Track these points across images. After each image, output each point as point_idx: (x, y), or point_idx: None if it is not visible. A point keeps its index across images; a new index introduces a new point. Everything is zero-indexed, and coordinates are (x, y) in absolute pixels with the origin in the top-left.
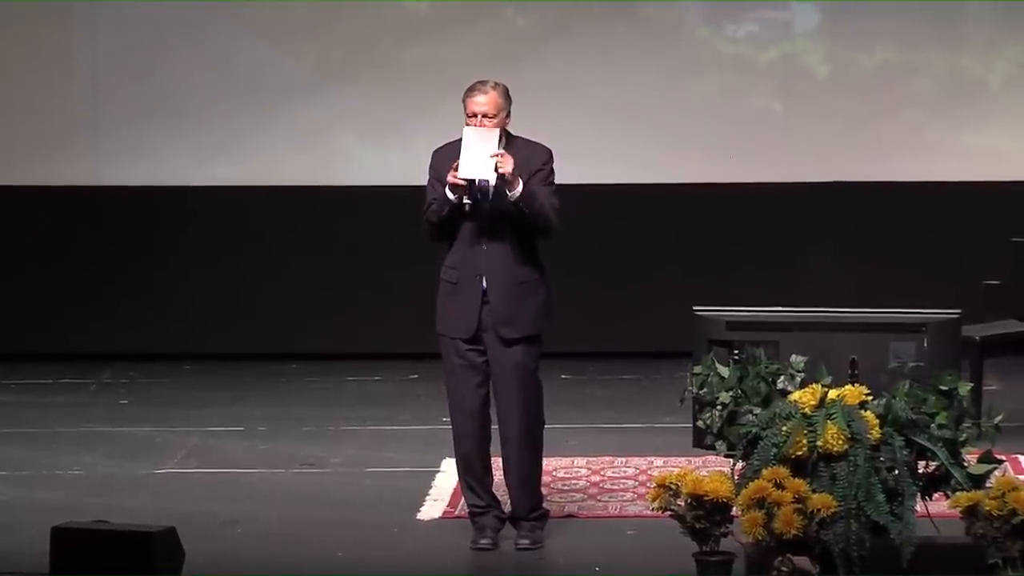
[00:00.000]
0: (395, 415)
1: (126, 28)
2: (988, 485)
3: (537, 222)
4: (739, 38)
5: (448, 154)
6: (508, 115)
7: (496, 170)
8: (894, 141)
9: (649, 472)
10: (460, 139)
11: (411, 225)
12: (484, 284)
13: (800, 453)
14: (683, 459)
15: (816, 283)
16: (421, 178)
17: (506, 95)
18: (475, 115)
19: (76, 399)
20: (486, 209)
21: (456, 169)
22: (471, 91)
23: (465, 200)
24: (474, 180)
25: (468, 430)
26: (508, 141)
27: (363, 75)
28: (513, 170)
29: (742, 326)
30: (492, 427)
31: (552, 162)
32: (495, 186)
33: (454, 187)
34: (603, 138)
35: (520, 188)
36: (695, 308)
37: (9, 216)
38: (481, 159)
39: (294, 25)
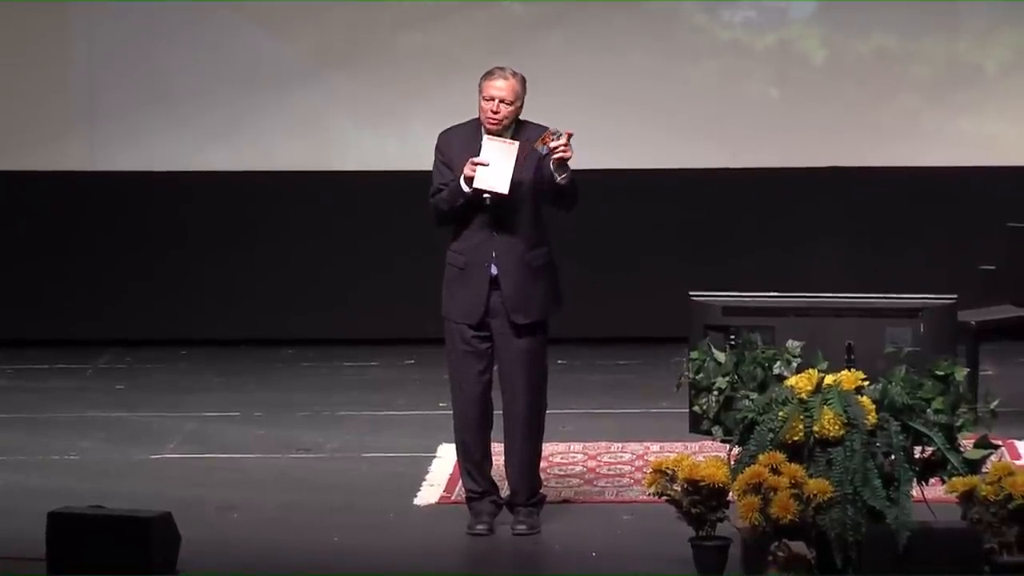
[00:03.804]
0: (392, 400)
1: (122, 13)
2: (984, 470)
3: (569, 201)
4: (736, 24)
5: (456, 137)
6: (522, 104)
7: (552, 155)
8: (891, 127)
9: (645, 457)
10: (468, 122)
11: (408, 211)
12: (494, 271)
13: (796, 438)
14: (679, 444)
15: (812, 268)
16: (418, 163)
17: (523, 84)
18: (492, 99)
19: (73, 384)
20: (501, 198)
21: (475, 163)
22: (490, 75)
23: (485, 195)
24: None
25: (469, 416)
26: (520, 127)
27: (360, 61)
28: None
29: (738, 311)
30: (494, 413)
31: None
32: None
33: (470, 180)
34: (600, 124)
35: (569, 173)
36: (691, 293)
37: (4, 202)
38: (498, 172)
39: (291, 11)
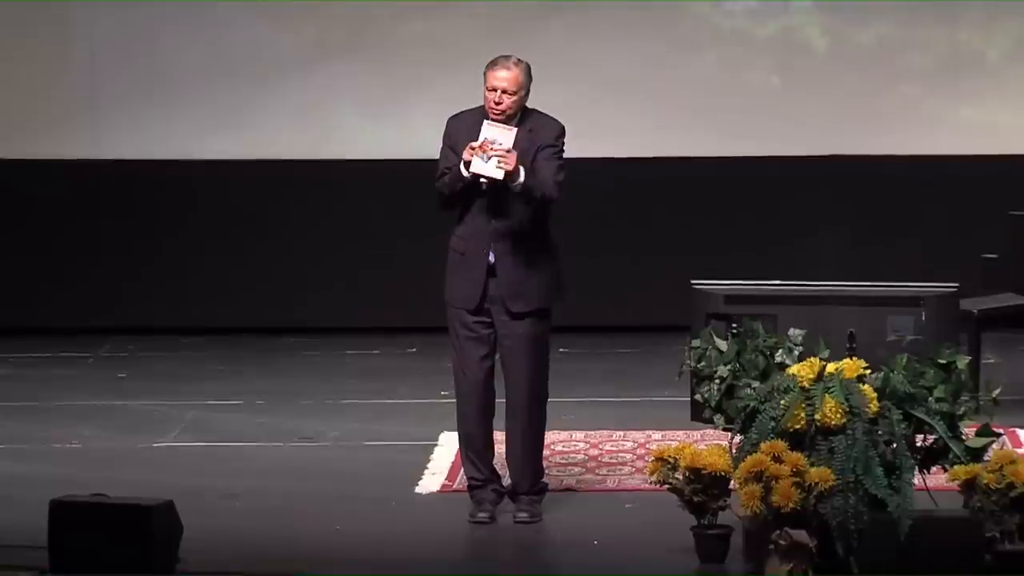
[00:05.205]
0: (393, 389)
1: (123, 3)
2: (986, 458)
3: (536, 203)
4: (738, 13)
5: (464, 123)
6: (527, 93)
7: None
8: (892, 115)
9: (647, 446)
10: (477, 107)
11: (409, 199)
12: (492, 258)
13: (798, 427)
14: (681, 433)
15: (814, 256)
16: (420, 152)
17: (528, 74)
18: (495, 90)
19: (75, 373)
20: (499, 185)
21: (474, 148)
22: (494, 65)
23: (482, 180)
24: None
25: (472, 403)
26: (526, 115)
27: (362, 50)
28: (515, 166)
29: (740, 300)
30: (497, 401)
31: (564, 138)
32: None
33: (469, 165)
34: (602, 112)
35: (521, 180)
36: (693, 282)
37: (7, 190)
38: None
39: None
